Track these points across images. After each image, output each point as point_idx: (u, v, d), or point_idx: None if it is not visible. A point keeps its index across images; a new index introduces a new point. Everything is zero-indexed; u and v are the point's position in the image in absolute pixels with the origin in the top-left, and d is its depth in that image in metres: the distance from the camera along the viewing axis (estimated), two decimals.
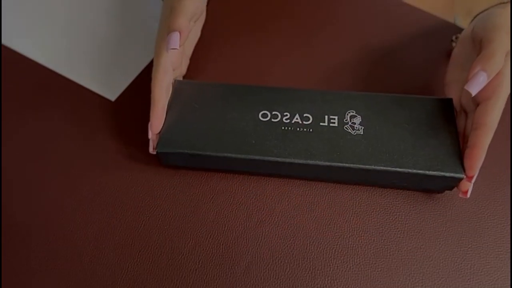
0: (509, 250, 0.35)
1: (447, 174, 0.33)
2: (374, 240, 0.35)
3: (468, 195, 0.35)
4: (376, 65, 0.46)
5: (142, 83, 0.45)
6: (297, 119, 0.37)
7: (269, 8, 0.51)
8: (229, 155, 0.35)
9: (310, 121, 0.37)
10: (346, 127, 0.36)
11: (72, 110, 0.43)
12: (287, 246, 0.35)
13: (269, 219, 0.37)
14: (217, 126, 0.37)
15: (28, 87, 0.45)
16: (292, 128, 0.36)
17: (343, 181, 0.38)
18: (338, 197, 0.37)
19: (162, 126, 0.37)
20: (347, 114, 0.37)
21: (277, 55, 0.47)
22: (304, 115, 0.37)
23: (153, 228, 0.36)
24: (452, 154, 0.34)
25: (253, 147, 0.35)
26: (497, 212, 0.36)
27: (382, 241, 0.35)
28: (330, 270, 0.34)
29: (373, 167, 0.34)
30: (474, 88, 0.32)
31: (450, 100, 0.37)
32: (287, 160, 0.35)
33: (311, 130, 0.36)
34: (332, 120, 0.37)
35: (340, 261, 0.34)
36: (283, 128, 0.37)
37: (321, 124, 0.37)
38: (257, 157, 0.35)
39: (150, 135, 0.37)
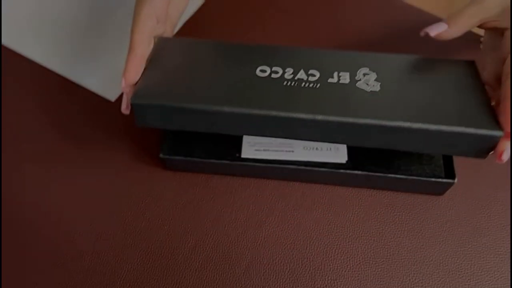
0: (509, 250, 0.35)
1: (482, 132, 0.28)
2: (374, 240, 0.35)
3: (504, 158, 0.30)
4: None
5: None
6: (301, 75, 0.31)
7: (269, 7, 0.51)
8: (219, 108, 0.29)
9: (317, 77, 0.31)
10: (359, 84, 0.31)
11: (72, 110, 0.43)
12: (287, 246, 0.35)
13: (269, 219, 0.37)
14: (205, 79, 0.31)
15: (28, 87, 0.45)
16: (296, 84, 0.31)
17: (356, 145, 0.31)
18: (338, 197, 0.37)
19: (140, 78, 0.32)
20: (359, 72, 0.32)
21: None
22: (310, 71, 0.32)
23: (153, 228, 0.36)
24: (485, 111, 0.30)
25: (247, 100, 0.30)
26: (497, 212, 0.36)
27: (382, 241, 0.35)
28: (330, 270, 0.34)
29: (393, 123, 0.28)
30: (432, 30, 0.34)
31: (473, 62, 0.34)
32: (290, 114, 0.29)
33: (317, 85, 0.31)
34: (342, 77, 0.31)
35: (340, 261, 0.34)
36: (285, 84, 0.31)
37: (329, 81, 0.31)
38: (252, 111, 0.29)
39: (123, 85, 0.32)
